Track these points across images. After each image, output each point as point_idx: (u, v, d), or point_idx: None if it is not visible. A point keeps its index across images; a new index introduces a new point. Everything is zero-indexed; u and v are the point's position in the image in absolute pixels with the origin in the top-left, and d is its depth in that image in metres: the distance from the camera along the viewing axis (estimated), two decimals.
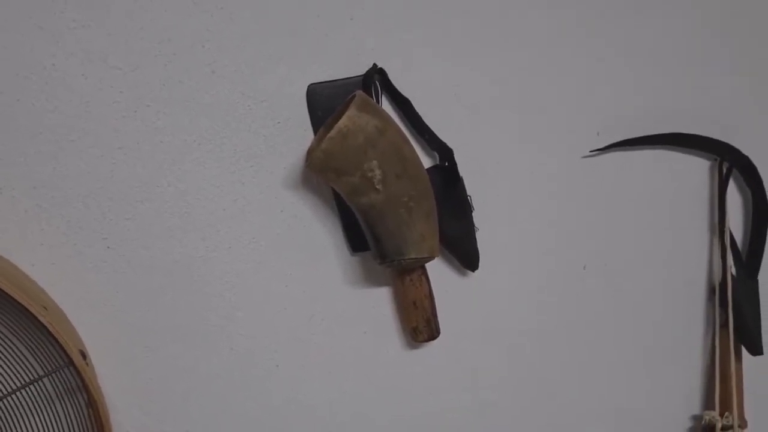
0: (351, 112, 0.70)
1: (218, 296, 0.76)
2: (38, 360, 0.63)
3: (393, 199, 0.73)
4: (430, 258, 0.77)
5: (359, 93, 0.72)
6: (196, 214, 0.75)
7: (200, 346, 0.77)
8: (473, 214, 0.82)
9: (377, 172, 0.71)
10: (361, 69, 0.77)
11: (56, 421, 0.64)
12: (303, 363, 0.81)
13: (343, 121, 0.70)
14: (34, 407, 0.65)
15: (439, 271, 0.83)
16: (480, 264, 0.83)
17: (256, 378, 0.79)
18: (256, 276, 0.78)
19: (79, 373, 0.61)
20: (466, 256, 0.83)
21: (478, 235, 0.83)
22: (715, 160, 0.92)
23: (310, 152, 0.74)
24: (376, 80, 0.77)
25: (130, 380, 0.75)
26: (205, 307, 0.76)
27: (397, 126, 0.75)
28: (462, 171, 0.81)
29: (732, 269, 0.93)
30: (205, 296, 0.76)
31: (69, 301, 0.72)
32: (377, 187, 0.72)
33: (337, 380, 0.82)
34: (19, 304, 0.59)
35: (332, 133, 0.70)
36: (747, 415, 0.94)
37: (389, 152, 0.72)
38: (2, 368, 0.63)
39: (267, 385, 0.80)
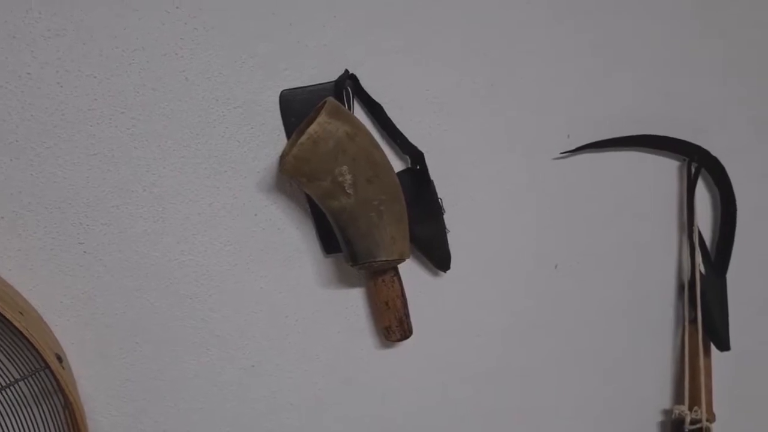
0: (321, 119, 0.71)
1: (194, 298, 0.78)
2: (14, 364, 0.65)
3: (364, 202, 0.74)
4: (401, 260, 0.78)
5: (330, 99, 0.74)
6: (171, 219, 0.76)
7: (177, 347, 0.78)
8: (444, 216, 0.84)
9: (348, 176, 0.73)
10: (333, 75, 0.78)
11: (33, 424, 0.66)
12: (278, 362, 0.82)
13: (313, 128, 0.71)
14: (11, 410, 0.66)
15: (411, 271, 0.85)
16: (452, 264, 0.85)
17: (233, 377, 0.81)
18: (231, 278, 0.79)
19: (55, 376, 0.62)
20: (437, 257, 0.85)
21: (450, 237, 0.85)
22: (684, 160, 0.94)
23: (282, 157, 0.75)
24: (347, 86, 0.79)
25: (108, 381, 0.76)
26: (181, 308, 0.78)
27: (368, 131, 0.76)
28: (434, 174, 0.83)
29: (701, 267, 0.95)
30: (181, 298, 0.77)
31: (46, 304, 0.73)
32: (348, 191, 0.73)
33: (312, 379, 0.84)
34: None
35: (303, 139, 0.71)
36: (715, 409, 0.96)
37: (359, 157, 0.74)
38: None
39: (243, 384, 0.81)
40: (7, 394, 0.65)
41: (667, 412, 1.00)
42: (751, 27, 0.94)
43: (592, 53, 0.88)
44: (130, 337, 0.77)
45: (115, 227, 0.74)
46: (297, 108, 0.78)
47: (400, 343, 0.85)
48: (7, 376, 0.64)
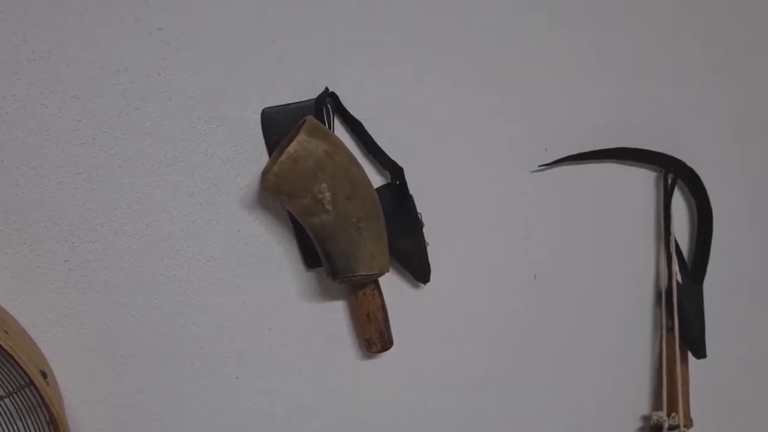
0: (301, 137, 0.73)
1: (178, 313, 0.79)
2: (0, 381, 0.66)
3: (343, 219, 0.76)
4: (380, 274, 0.80)
5: (309, 118, 0.75)
6: (155, 235, 0.77)
7: (161, 361, 0.80)
8: (424, 229, 0.86)
9: (327, 194, 0.75)
10: (314, 93, 0.80)
11: None
12: (261, 375, 0.84)
13: (293, 146, 0.73)
14: None
15: (392, 283, 0.87)
16: (432, 276, 0.87)
17: (217, 390, 0.82)
18: (214, 292, 0.80)
19: (39, 392, 0.64)
20: (418, 270, 0.86)
21: (430, 249, 0.86)
22: (661, 171, 0.96)
23: (264, 174, 0.77)
24: (327, 104, 0.80)
25: (93, 395, 0.78)
26: (165, 323, 0.79)
27: (347, 149, 0.78)
28: (414, 188, 0.84)
29: (678, 276, 0.97)
30: (165, 313, 0.79)
31: (33, 320, 0.74)
32: (327, 208, 0.75)
33: (295, 390, 0.85)
34: None
35: (283, 157, 0.73)
36: (692, 415, 0.98)
37: (338, 175, 0.75)
38: None
39: (227, 396, 0.83)
40: None
41: (645, 418, 1.02)
42: (726, 39, 0.96)
43: (568, 67, 0.90)
44: (115, 351, 0.78)
45: (99, 244, 0.76)
46: (278, 125, 0.79)
47: (382, 354, 0.87)
48: None
